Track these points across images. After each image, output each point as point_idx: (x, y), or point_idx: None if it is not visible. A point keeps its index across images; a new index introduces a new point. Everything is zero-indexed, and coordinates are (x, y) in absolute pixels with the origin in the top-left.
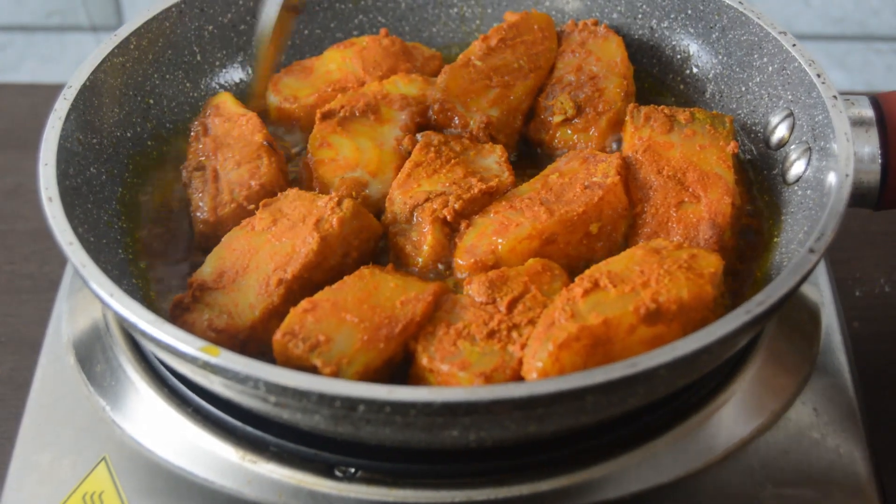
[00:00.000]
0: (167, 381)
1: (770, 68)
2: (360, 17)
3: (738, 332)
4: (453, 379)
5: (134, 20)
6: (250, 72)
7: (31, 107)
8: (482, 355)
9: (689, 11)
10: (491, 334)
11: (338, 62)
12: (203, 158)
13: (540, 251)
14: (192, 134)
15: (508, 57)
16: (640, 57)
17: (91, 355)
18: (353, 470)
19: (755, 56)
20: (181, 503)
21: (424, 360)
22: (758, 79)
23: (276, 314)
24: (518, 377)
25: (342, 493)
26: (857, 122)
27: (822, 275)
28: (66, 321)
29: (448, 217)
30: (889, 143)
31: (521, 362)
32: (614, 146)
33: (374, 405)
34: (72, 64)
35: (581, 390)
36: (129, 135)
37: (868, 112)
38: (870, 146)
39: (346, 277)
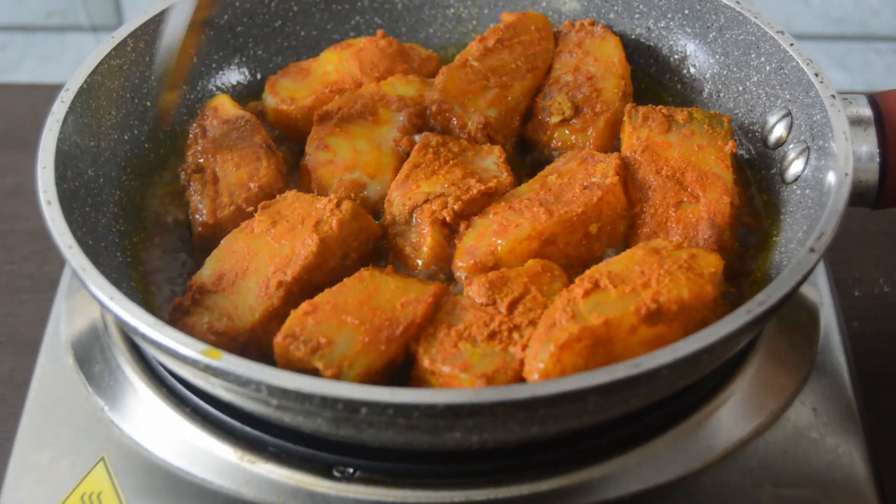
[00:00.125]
0: (165, 382)
1: (768, 68)
2: (357, 19)
3: (739, 331)
4: (455, 381)
5: (131, 22)
6: (247, 73)
7: (31, 107)
8: (483, 357)
9: (687, 11)
10: (492, 335)
11: (335, 64)
12: (202, 161)
13: (539, 252)
14: (190, 136)
15: (506, 57)
16: (637, 57)
17: (89, 355)
18: (351, 470)
19: (753, 55)
20: (180, 503)
21: (426, 362)
22: (755, 78)
23: (276, 316)
24: (519, 378)
25: (340, 494)
26: (856, 121)
27: (821, 275)
28: (65, 321)
29: (447, 218)
30: (887, 141)
31: (522, 363)
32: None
33: (377, 407)
34: (72, 64)
35: (584, 391)
36: (126, 137)
37: (866, 111)
38: (868, 145)
39: (345, 279)
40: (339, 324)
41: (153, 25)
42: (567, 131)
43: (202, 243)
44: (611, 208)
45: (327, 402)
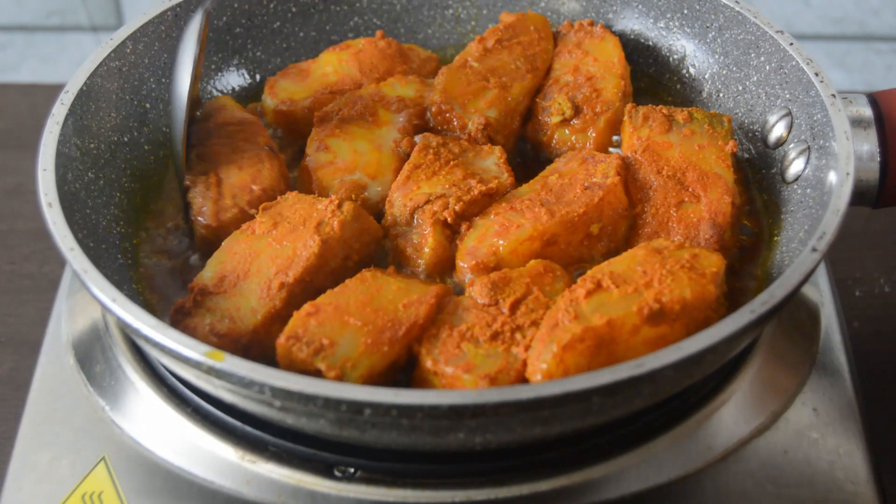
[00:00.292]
0: (166, 381)
1: (767, 67)
2: (356, 20)
3: (742, 331)
4: (458, 381)
5: (130, 24)
6: (246, 75)
7: (31, 107)
8: (486, 357)
9: (686, 11)
10: (494, 336)
11: (334, 65)
12: (205, 163)
13: (541, 252)
14: (192, 137)
15: (505, 58)
16: (636, 57)
17: (90, 355)
18: (352, 470)
19: (752, 55)
20: (180, 503)
21: (428, 363)
22: (755, 78)
23: (278, 318)
24: (522, 379)
25: (341, 493)
26: (856, 121)
27: (821, 274)
28: (66, 321)
29: (448, 219)
30: (887, 140)
31: (525, 364)
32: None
33: (381, 409)
34: (72, 64)
35: (587, 391)
36: (126, 139)
37: (866, 110)
38: (868, 144)
39: (347, 280)
40: (341, 325)
41: (152, 27)
42: (567, 131)
43: (204, 245)
44: (612, 208)
45: (330, 404)
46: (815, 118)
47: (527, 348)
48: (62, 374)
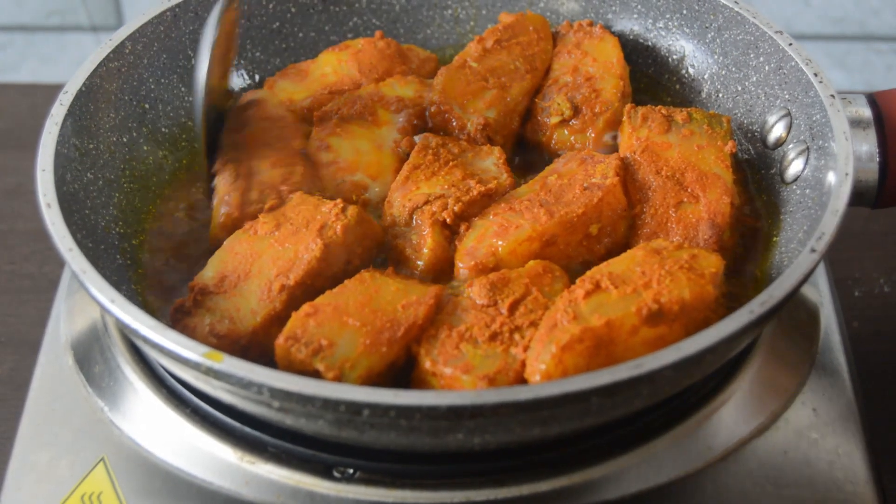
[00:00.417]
0: (165, 382)
1: (766, 68)
2: (355, 20)
3: (741, 331)
4: (457, 382)
5: (129, 24)
6: (245, 75)
7: (31, 107)
8: (485, 358)
9: (685, 11)
10: (493, 337)
11: (333, 65)
12: (238, 151)
13: (540, 253)
14: (227, 122)
15: (504, 58)
16: (635, 57)
17: (89, 356)
18: (351, 470)
19: (751, 55)
20: None
21: (427, 364)
22: (754, 78)
23: (278, 320)
24: (521, 379)
25: (340, 494)
26: (855, 121)
27: (821, 275)
28: (65, 322)
29: (447, 219)
30: (887, 141)
31: (524, 364)
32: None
33: (379, 409)
34: (72, 64)
35: (586, 392)
36: (125, 140)
37: (865, 111)
38: (867, 144)
39: (346, 281)
40: (340, 326)
41: (150, 28)
42: (566, 132)
43: (221, 233)
44: (611, 209)
45: (329, 405)
46: (814, 118)
47: (525, 349)
48: (61, 375)
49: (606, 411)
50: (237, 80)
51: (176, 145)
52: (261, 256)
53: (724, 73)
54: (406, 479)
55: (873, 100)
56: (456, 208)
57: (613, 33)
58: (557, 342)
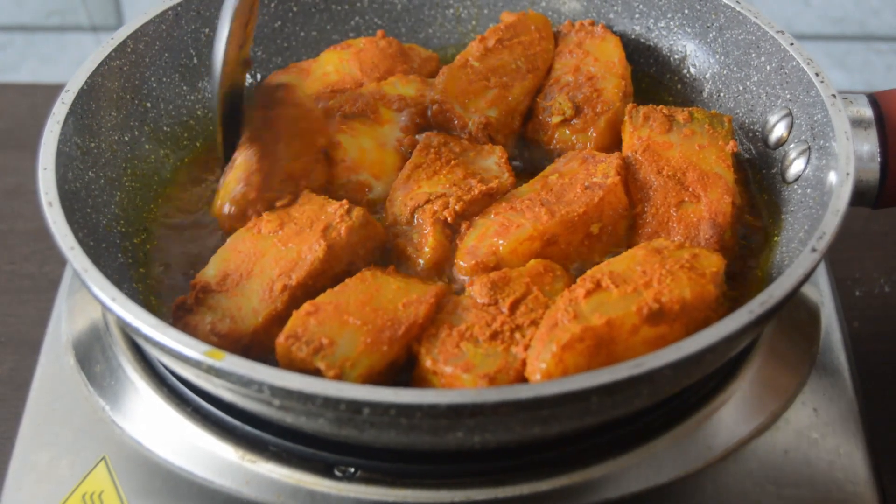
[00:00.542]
0: (166, 381)
1: (768, 67)
2: (357, 19)
3: (741, 331)
4: (457, 381)
5: (130, 23)
6: (247, 75)
7: (31, 107)
8: (485, 357)
9: (686, 11)
10: (494, 336)
11: (335, 64)
12: (265, 130)
13: (541, 252)
14: (257, 96)
15: (506, 58)
16: (637, 57)
17: (90, 355)
18: (352, 469)
19: (753, 55)
20: (180, 503)
21: (428, 363)
22: (756, 78)
23: (279, 320)
24: (522, 378)
25: (341, 493)
26: (856, 121)
27: (821, 275)
28: (66, 321)
29: (449, 218)
30: (888, 141)
31: (524, 363)
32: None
33: (380, 408)
34: (72, 64)
35: (587, 391)
36: (126, 139)
37: (866, 111)
38: (868, 144)
39: (347, 280)
40: (341, 324)
41: (152, 26)
42: (567, 131)
43: (233, 209)
44: (612, 208)
45: (330, 403)
46: (815, 118)
47: (526, 348)
48: (62, 374)
49: (606, 410)
50: None
51: (178, 144)
52: (264, 255)
53: (725, 72)
54: (407, 478)
55: (874, 100)
56: (457, 207)
57: (615, 33)
58: (558, 341)
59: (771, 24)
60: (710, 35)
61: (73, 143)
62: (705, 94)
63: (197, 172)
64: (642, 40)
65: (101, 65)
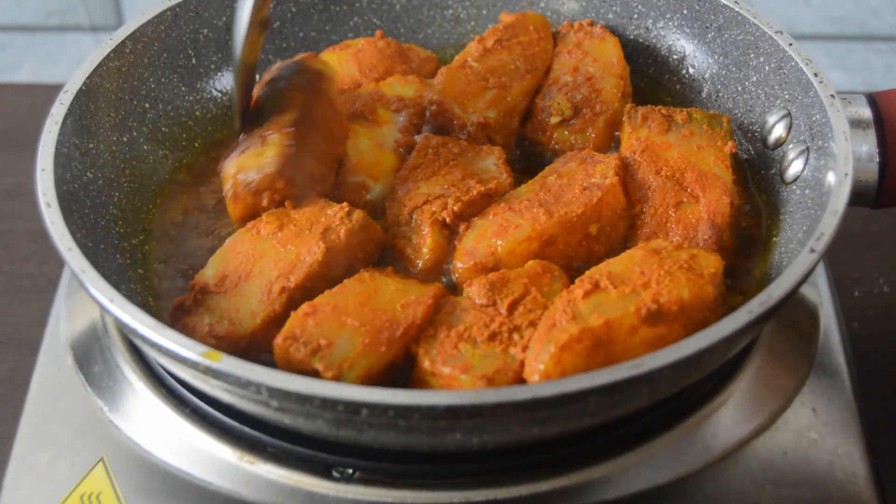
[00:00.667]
0: (165, 382)
1: (767, 68)
2: (356, 20)
3: (740, 331)
4: (455, 382)
5: (129, 24)
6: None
7: (31, 107)
8: (484, 358)
9: (685, 11)
10: (492, 336)
11: (333, 64)
12: (305, 116)
13: (539, 253)
14: (299, 73)
15: (505, 58)
16: (636, 57)
17: (89, 356)
18: (350, 471)
19: (751, 55)
20: None
21: (426, 364)
22: (754, 78)
23: (277, 322)
24: (520, 379)
25: (340, 494)
26: (855, 121)
27: (820, 275)
28: (65, 322)
29: (447, 219)
30: (887, 141)
31: (522, 364)
32: (612, 147)
33: (378, 409)
34: (72, 64)
35: (585, 392)
36: (125, 139)
37: (865, 111)
38: (867, 145)
39: (345, 281)
40: (339, 325)
41: (151, 27)
42: (566, 132)
43: (254, 189)
44: (610, 209)
45: (328, 404)
46: (814, 119)
47: (524, 349)
48: (61, 375)
49: (605, 411)
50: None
51: (176, 145)
52: (262, 257)
53: (724, 73)
54: (405, 479)
55: (873, 100)
56: (455, 208)
57: (614, 33)
58: (556, 342)
59: (770, 24)
60: (709, 35)
61: (72, 143)
62: (704, 95)
63: (195, 173)
64: (641, 40)
65: (99, 65)
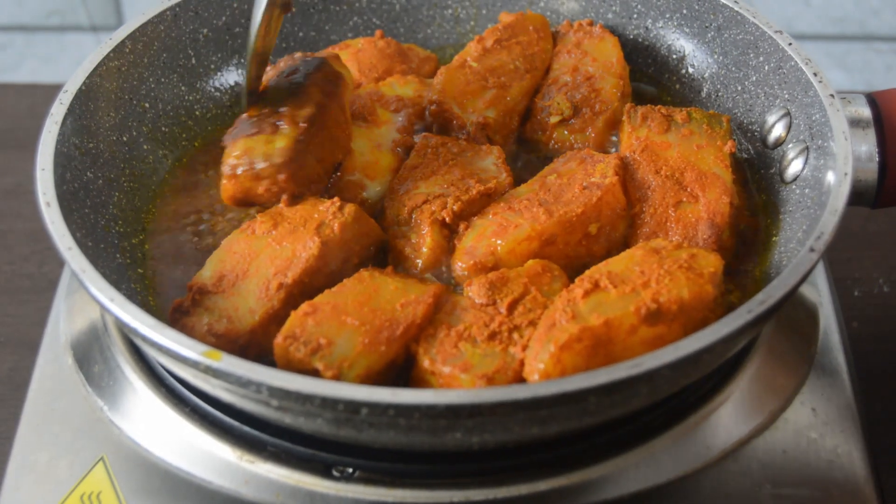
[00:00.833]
0: (165, 381)
1: (766, 67)
2: (355, 19)
3: (740, 331)
4: (455, 381)
5: (129, 23)
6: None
7: (31, 107)
8: (484, 357)
9: (685, 11)
10: (492, 336)
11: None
12: (320, 115)
13: (539, 252)
14: (324, 67)
15: (504, 58)
16: (635, 57)
17: (89, 355)
18: (350, 470)
19: (751, 55)
20: (179, 503)
21: (426, 363)
22: (754, 78)
23: (276, 319)
24: (520, 379)
25: (340, 493)
26: (854, 121)
27: (820, 274)
28: (65, 321)
29: (447, 219)
30: (886, 140)
31: (522, 364)
32: (612, 147)
33: (378, 408)
34: (71, 64)
35: (585, 391)
36: (125, 139)
37: (865, 110)
38: (867, 144)
39: (345, 280)
40: (339, 325)
41: (150, 27)
42: (566, 131)
43: (252, 176)
44: (610, 208)
45: (328, 403)
46: (813, 118)
47: (524, 348)
48: (61, 375)
49: (605, 411)
50: (237, 78)
51: (176, 144)
52: (258, 255)
53: (723, 72)
54: (405, 478)
55: (873, 99)
56: (455, 207)
57: (613, 33)
58: (556, 341)
59: (769, 23)
60: (709, 35)
61: (72, 143)
62: (703, 94)
63: (195, 173)
64: (640, 40)
65: (99, 65)
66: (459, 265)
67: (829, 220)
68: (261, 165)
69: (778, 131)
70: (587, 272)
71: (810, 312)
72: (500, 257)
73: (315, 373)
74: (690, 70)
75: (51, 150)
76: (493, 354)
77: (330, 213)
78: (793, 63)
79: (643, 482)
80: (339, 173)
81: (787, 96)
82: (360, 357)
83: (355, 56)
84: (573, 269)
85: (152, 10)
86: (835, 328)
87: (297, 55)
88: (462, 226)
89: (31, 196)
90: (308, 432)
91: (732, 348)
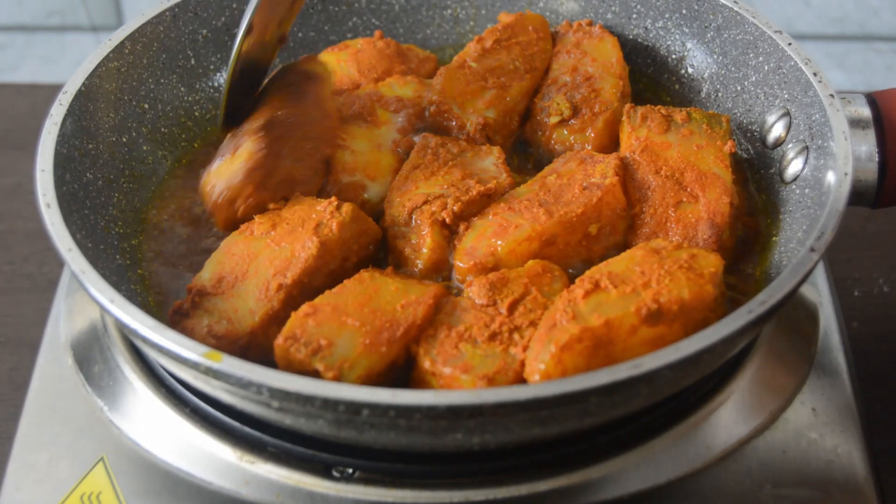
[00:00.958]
0: (165, 382)
1: (766, 67)
2: (354, 20)
3: (740, 331)
4: (456, 382)
5: (128, 24)
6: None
7: (31, 107)
8: (484, 358)
9: (684, 11)
10: (492, 336)
11: (332, 65)
12: (283, 118)
13: (539, 253)
14: (286, 75)
15: (504, 58)
16: (635, 57)
17: (89, 356)
18: (350, 470)
19: (751, 55)
20: (179, 503)
21: (426, 364)
22: (753, 78)
23: (276, 319)
24: (520, 379)
25: (340, 494)
26: (854, 121)
27: (820, 274)
28: (65, 322)
29: (447, 219)
30: (886, 140)
31: (523, 364)
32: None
33: (378, 409)
34: (71, 64)
35: (585, 392)
36: (124, 140)
37: (865, 110)
38: (867, 144)
39: (346, 281)
40: (339, 326)
41: (150, 28)
42: (565, 132)
43: (225, 200)
44: (610, 209)
45: (328, 404)
46: (813, 118)
47: (525, 349)
48: (61, 375)
49: (605, 411)
50: None
51: (175, 145)
52: (257, 257)
53: (723, 72)
54: (405, 478)
55: (873, 99)
56: (455, 208)
57: (613, 33)
58: (557, 342)
59: (769, 23)
60: (708, 35)
61: (71, 144)
62: (703, 94)
63: (195, 173)
64: (640, 40)
65: (98, 66)
66: (460, 266)
67: (830, 221)
68: (225, 190)
69: (778, 131)
70: (587, 272)
71: (810, 312)
72: (500, 258)
73: (316, 374)
74: (690, 70)
75: (50, 151)
76: (493, 355)
77: (328, 213)
78: (792, 63)
79: (643, 482)
80: (338, 175)
81: (786, 96)
82: (360, 358)
83: (355, 56)
84: (573, 270)
85: (152, 10)
86: (835, 328)
87: (277, 69)
88: (462, 226)
89: (31, 196)
90: (309, 433)
91: (733, 348)
